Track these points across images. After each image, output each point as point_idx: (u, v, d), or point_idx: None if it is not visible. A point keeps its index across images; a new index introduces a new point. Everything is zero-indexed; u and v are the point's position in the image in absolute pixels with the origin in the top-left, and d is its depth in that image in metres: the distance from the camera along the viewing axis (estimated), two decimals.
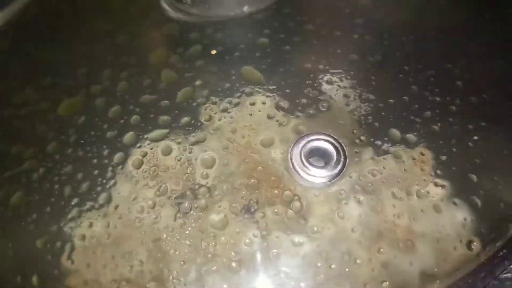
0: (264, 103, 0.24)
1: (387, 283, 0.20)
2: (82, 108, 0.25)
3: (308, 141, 0.22)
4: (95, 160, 0.23)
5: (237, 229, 0.21)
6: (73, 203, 0.22)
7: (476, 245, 0.21)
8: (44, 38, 0.29)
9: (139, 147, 0.23)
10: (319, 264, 0.20)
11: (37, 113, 0.26)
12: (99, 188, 0.22)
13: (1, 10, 0.30)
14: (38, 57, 0.29)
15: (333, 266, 0.20)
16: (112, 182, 0.22)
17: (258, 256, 0.20)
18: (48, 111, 0.26)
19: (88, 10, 0.30)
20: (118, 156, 0.23)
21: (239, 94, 0.24)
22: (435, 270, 0.20)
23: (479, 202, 0.22)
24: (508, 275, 0.22)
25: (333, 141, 0.22)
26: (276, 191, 0.21)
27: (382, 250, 0.20)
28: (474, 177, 0.22)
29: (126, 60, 0.27)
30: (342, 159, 0.21)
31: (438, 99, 0.24)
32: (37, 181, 0.23)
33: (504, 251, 0.21)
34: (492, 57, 0.26)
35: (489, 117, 0.24)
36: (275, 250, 0.20)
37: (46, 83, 0.27)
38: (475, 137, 0.23)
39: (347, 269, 0.20)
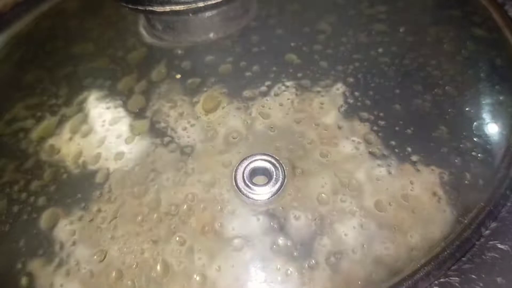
0: (220, 124, 0.27)
1: None
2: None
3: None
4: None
5: None
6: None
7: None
8: (30, 61, 0.32)
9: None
10: None
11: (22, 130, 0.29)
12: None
13: None
14: (26, 79, 0.32)
15: None
16: None
17: None
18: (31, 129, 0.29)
19: (71, 35, 0.33)
20: None
21: (198, 116, 0.27)
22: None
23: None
24: None
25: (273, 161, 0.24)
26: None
27: None
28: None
29: (102, 82, 0.30)
30: (281, 177, 0.24)
31: None
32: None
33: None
34: None
35: None
36: None
37: (31, 102, 0.30)
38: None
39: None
